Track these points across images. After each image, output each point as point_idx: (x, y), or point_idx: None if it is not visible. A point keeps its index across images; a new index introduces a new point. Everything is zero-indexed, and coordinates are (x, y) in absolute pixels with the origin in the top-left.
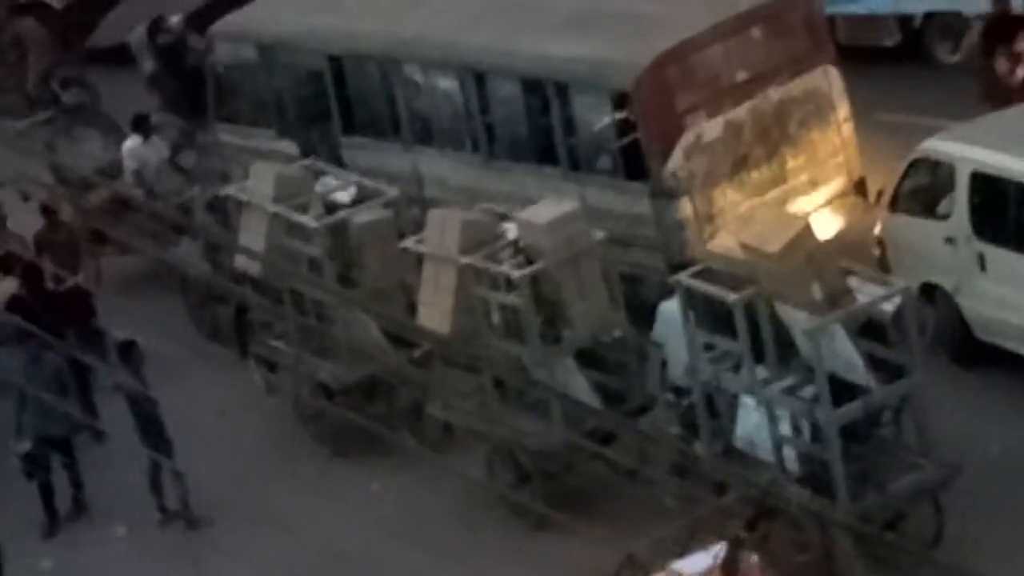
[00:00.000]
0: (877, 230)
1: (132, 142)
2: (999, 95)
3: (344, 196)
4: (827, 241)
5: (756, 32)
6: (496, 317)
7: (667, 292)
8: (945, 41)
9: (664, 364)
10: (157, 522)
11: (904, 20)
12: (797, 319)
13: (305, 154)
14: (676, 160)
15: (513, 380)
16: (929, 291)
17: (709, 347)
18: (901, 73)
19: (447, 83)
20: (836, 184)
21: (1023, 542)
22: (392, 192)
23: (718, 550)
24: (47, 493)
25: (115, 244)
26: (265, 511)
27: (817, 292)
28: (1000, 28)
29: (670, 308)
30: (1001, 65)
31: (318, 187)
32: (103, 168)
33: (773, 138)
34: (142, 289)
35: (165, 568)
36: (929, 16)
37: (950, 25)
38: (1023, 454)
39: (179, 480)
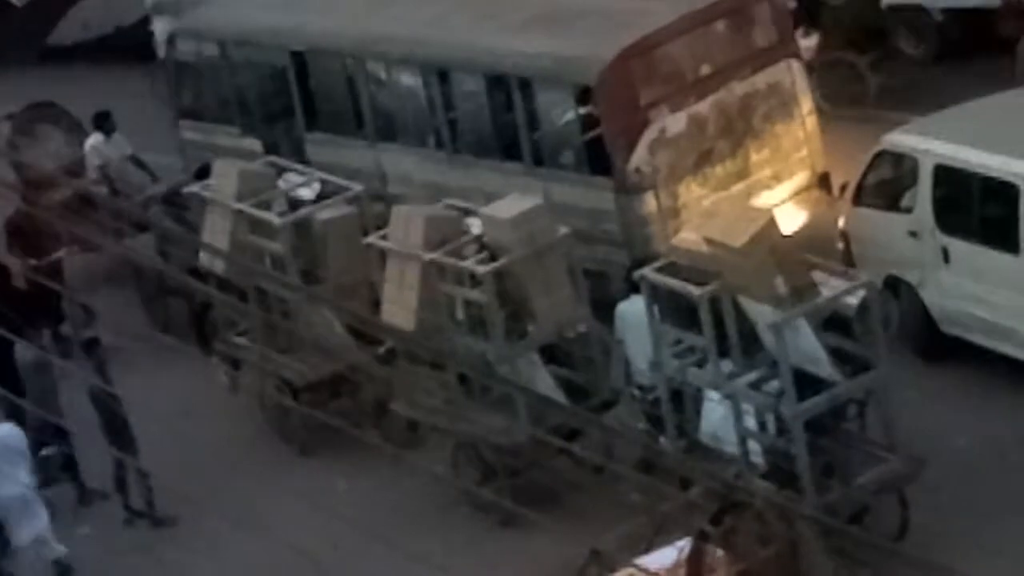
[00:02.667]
0: (841, 224)
1: (95, 139)
2: None
3: (308, 193)
4: (791, 235)
5: (719, 26)
6: (460, 313)
7: (631, 288)
8: (908, 34)
9: (627, 361)
10: (122, 521)
11: None
12: (762, 313)
13: (268, 151)
14: (640, 155)
15: (478, 376)
16: (893, 284)
17: (674, 342)
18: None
19: (411, 79)
20: (800, 178)
21: (988, 535)
22: (356, 188)
23: (683, 545)
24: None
25: (76, 241)
26: (230, 509)
27: (781, 286)
28: None
29: (628, 308)
30: None
31: (282, 184)
32: (66, 166)
33: (737, 132)
34: (107, 287)
35: (131, 567)
36: (892, 9)
37: (913, 18)
38: (988, 447)
39: (144, 479)
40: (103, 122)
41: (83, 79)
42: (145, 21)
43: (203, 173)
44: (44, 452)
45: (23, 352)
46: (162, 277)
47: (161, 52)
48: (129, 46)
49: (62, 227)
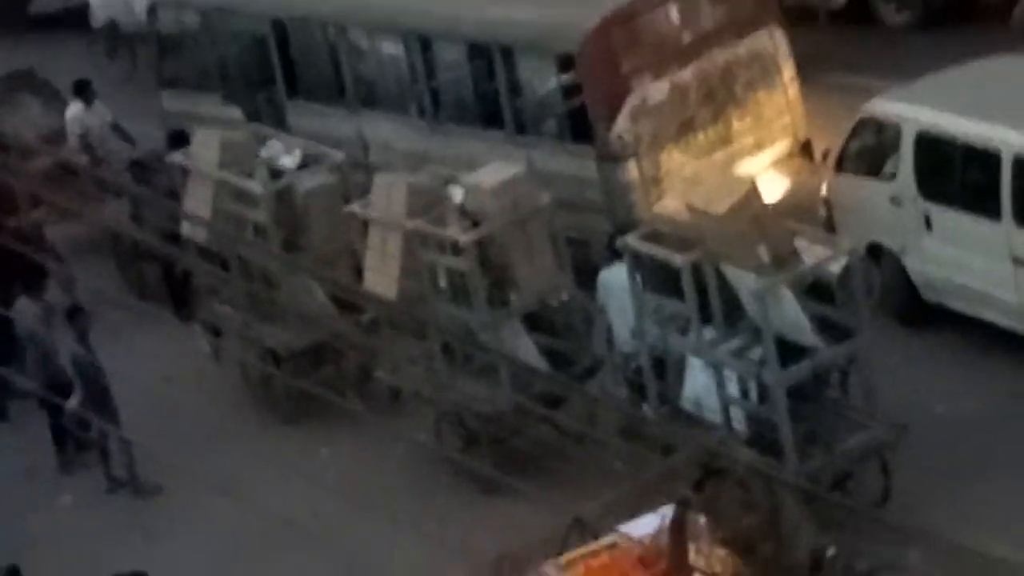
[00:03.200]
0: (823, 191)
1: (75, 108)
2: None
3: (289, 161)
4: (773, 203)
5: None
6: (443, 281)
7: (613, 256)
8: (890, 3)
9: (610, 328)
10: (104, 490)
11: None
12: (744, 280)
13: (250, 119)
14: (622, 123)
15: (461, 344)
16: (875, 252)
17: (657, 309)
18: (848, 34)
19: (392, 47)
20: (782, 145)
21: (970, 500)
22: (338, 157)
23: (666, 512)
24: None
25: (55, 209)
26: (213, 477)
27: (764, 253)
28: None
29: (610, 275)
30: None
31: (263, 152)
32: (46, 134)
33: (719, 100)
34: (85, 254)
35: (114, 536)
36: None
37: None
38: (969, 413)
39: (126, 448)
40: (84, 90)
41: (66, 47)
42: None
43: (177, 139)
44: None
45: (20, 316)
46: (136, 243)
47: (95, 21)
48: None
49: (42, 194)
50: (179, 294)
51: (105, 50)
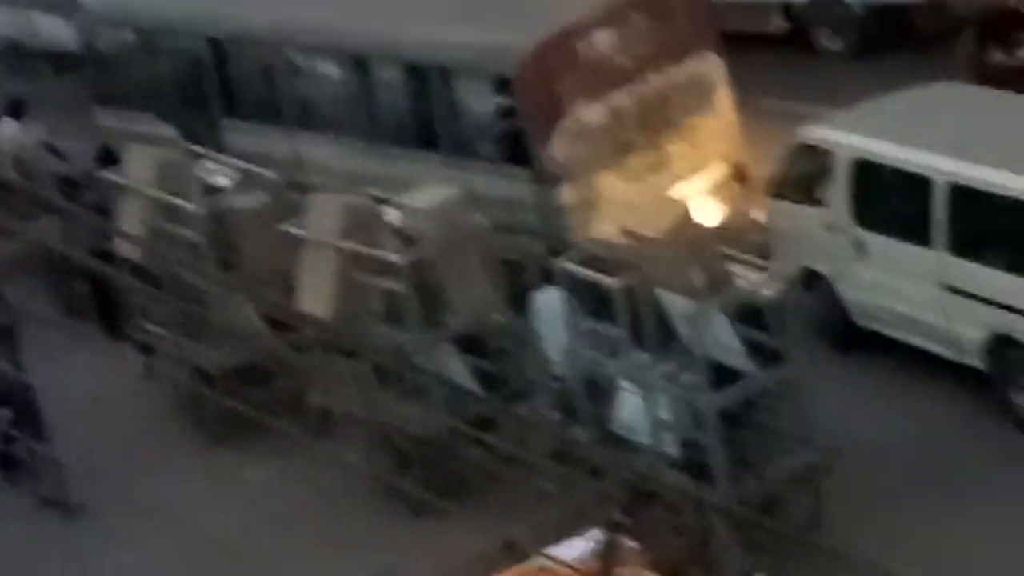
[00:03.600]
0: (758, 216)
1: (9, 127)
2: (991, 79)
3: (224, 180)
4: (708, 227)
5: (638, 18)
6: (377, 302)
7: (547, 278)
8: (829, 29)
9: (542, 351)
10: (33, 509)
11: (788, 8)
12: (677, 304)
13: (186, 138)
14: (558, 146)
15: (393, 365)
16: (809, 277)
17: (590, 332)
18: (785, 60)
19: (329, 67)
20: (717, 170)
21: (900, 525)
22: (273, 177)
23: (595, 535)
24: None
25: None
26: (143, 498)
27: (697, 277)
28: (996, 21)
29: (543, 298)
30: (995, 55)
31: (198, 171)
32: None
33: (655, 124)
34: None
35: (40, 556)
36: (813, 4)
37: (833, 13)
38: (900, 438)
39: (56, 467)
40: (17, 110)
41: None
42: None
43: (105, 157)
44: None
45: None
46: (67, 261)
47: None
48: None
49: None
50: (108, 312)
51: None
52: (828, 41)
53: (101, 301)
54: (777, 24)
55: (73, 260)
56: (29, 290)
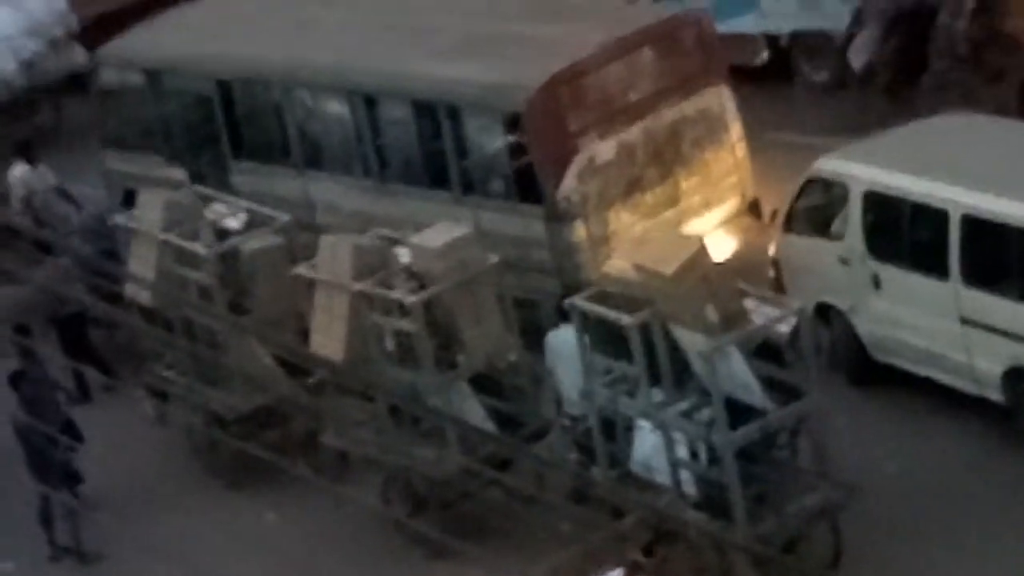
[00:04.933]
0: (771, 250)
1: (19, 169)
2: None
3: (234, 223)
4: (722, 262)
5: (648, 52)
6: (390, 343)
7: (561, 317)
8: (812, 60)
9: (558, 390)
10: (47, 557)
11: (772, 39)
12: (693, 341)
13: (194, 180)
14: (569, 182)
15: (408, 407)
16: (824, 311)
17: (605, 371)
18: (772, 92)
19: (338, 107)
20: (730, 204)
21: (920, 561)
22: (283, 218)
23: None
24: None
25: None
26: (159, 544)
27: (712, 314)
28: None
29: (558, 337)
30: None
31: (208, 214)
32: None
33: (666, 159)
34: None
35: None
36: (795, 35)
37: (816, 44)
38: (919, 473)
39: (70, 514)
40: (26, 151)
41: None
42: None
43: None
44: None
45: None
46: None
47: None
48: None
49: None
50: (96, 359)
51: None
52: (811, 73)
53: (85, 350)
54: (761, 56)
55: (82, 306)
56: (38, 335)
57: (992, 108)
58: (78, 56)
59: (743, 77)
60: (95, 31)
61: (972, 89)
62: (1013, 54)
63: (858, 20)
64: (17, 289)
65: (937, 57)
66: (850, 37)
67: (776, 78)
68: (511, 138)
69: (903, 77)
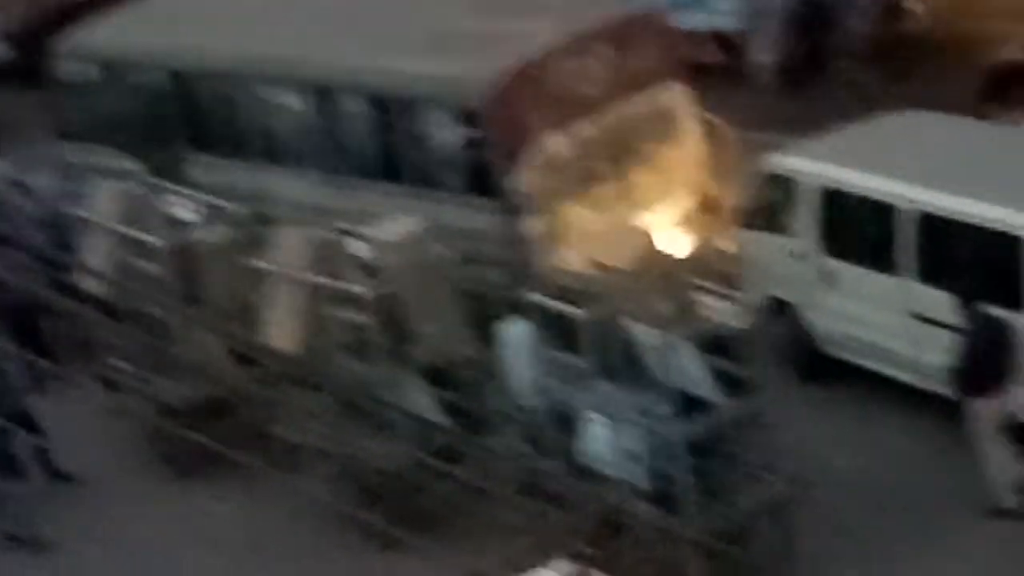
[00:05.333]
0: (726, 246)
1: None
2: None
3: (188, 214)
4: (676, 257)
5: (604, 48)
6: (343, 335)
7: (514, 310)
8: (761, 58)
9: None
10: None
11: (721, 37)
12: (645, 335)
13: (151, 173)
14: (524, 177)
15: (359, 399)
16: (777, 306)
17: (557, 364)
18: (726, 89)
19: (293, 100)
20: (685, 200)
21: (870, 556)
22: (237, 210)
23: (565, 567)
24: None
25: None
26: (110, 533)
27: (665, 308)
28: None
29: (511, 330)
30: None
31: (162, 205)
32: None
33: (622, 154)
34: None
35: None
36: (745, 33)
37: (765, 42)
38: (870, 468)
39: (22, 503)
40: None
41: None
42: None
43: None
44: None
45: None
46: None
47: None
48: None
49: None
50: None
51: None
52: (761, 69)
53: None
54: (713, 54)
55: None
56: None
57: (898, 107)
58: None
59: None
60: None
61: (873, 89)
62: (916, 55)
63: (754, 20)
64: None
65: (837, 57)
66: (748, 37)
67: (727, 76)
68: (466, 132)
69: (803, 76)
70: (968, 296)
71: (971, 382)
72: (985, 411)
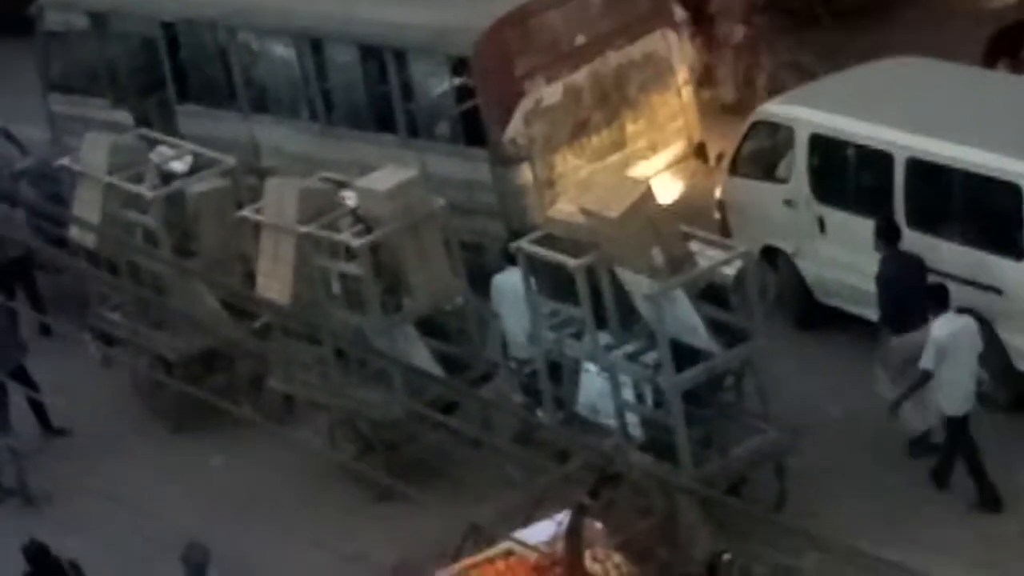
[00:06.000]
0: (718, 194)
1: None
2: None
3: (180, 166)
4: (668, 205)
5: None
6: (336, 286)
7: (507, 260)
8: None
9: (504, 333)
10: None
11: None
12: (639, 284)
13: (140, 123)
14: (515, 126)
15: (354, 350)
16: (770, 254)
17: (551, 314)
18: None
19: (284, 50)
20: (676, 148)
21: (864, 503)
22: (229, 161)
23: (562, 518)
24: None
25: None
26: (105, 486)
27: (658, 257)
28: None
29: (504, 280)
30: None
31: (153, 157)
32: None
33: (613, 102)
34: None
35: (1, 546)
36: None
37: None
38: (864, 416)
39: (15, 456)
40: None
41: None
42: None
43: None
44: None
45: None
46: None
47: None
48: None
49: None
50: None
51: None
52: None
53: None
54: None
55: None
56: None
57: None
58: None
59: None
60: None
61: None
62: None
63: None
64: None
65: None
66: None
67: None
68: (457, 81)
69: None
70: (880, 235)
71: (892, 318)
72: (900, 347)
